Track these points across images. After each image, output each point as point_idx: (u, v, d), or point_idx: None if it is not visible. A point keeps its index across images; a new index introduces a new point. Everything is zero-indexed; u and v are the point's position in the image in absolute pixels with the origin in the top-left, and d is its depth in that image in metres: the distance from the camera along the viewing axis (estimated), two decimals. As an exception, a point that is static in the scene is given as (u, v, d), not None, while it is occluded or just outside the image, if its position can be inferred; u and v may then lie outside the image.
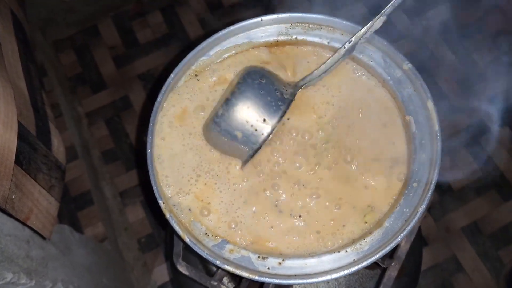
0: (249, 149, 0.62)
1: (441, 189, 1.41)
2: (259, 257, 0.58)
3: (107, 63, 1.61)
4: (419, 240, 1.01)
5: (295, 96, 0.65)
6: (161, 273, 1.38)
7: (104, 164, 1.49)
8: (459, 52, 1.55)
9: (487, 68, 1.52)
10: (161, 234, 1.41)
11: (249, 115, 0.61)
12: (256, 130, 0.61)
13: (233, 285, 0.82)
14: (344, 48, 0.63)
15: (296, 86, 0.66)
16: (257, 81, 0.62)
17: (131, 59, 1.60)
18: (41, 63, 1.41)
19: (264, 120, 0.61)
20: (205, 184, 0.64)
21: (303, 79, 0.66)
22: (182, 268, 0.72)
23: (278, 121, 0.62)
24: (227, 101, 0.62)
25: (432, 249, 1.36)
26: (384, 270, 0.72)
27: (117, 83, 1.58)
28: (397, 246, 0.72)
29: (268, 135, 0.62)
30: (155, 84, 1.57)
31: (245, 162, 0.64)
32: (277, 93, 0.62)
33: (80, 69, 1.61)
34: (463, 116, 1.46)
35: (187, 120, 0.67)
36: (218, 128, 0.62)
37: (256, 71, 0.64)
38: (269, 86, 0.62)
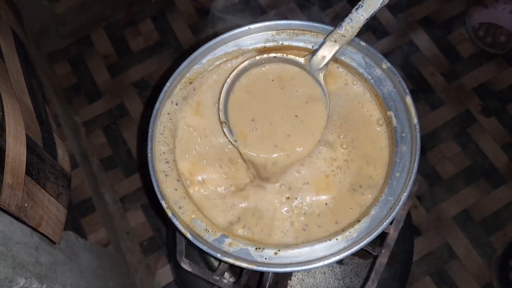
0: None
1: (431, 179, 1.46)
2: (256, 248, 0.62)
3: (102, 72, 1.64)
4: (409, 228, 1.06)
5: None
6: (164, 275, 1.42)
7: (104, 171, 1.53)
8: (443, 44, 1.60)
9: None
10: (162, 236, 1.45)
11: None
12: None
13: (234, 279, 0.87)
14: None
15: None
16: None
17: (125, 67, 1.64)
18: (38, 74, 1.45)
19: None
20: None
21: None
22: (186, 265, 0.76)
23: None
24: None
25: (425, 239, 1.40)
26: (375, 258, 0.76)
27: (112, 91, 1.62)
28: (387, 234, 0.77)
29: None
30: (150, 91, 1.61)
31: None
32: None
33: (75, 80, 1.64)
34: (450, 107, 1.51)
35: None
36: None
37: None
38: None
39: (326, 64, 0.68)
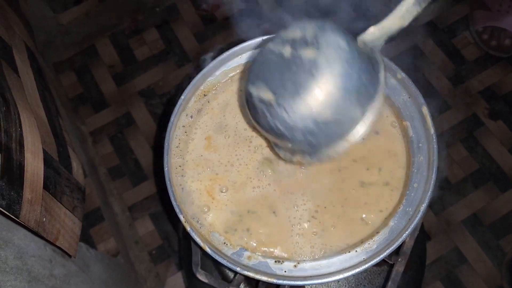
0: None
1: (440, 184, 1.45)
2: (275, 261, 0.62)
3: (107, 82, 1.65)
4: (423, 235, 1.06)
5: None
6: (173, 283, 1.41)
7: (111, 181, 1.53)
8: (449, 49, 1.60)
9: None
10: (172, 245, 1.45)
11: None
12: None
13: (250, 290, 0.86)
14: None
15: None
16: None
17: (130, 76, 1.65)
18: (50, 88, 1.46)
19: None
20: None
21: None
22: (202, 276, 0.76)
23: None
24: None
25: (435, 243, 1.40)
26: (391, 266, 0.76)
27: (118, 100, 1.62)
28: (403, 242, 0.77)
29: None
30: (156, 99, 1.61)
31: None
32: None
33: (81, 89, 1.65)
34: (456, 111, 1.51)
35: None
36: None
37: None
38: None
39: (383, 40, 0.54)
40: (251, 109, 0.53)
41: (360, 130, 0.49)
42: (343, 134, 0.49)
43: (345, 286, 0.94)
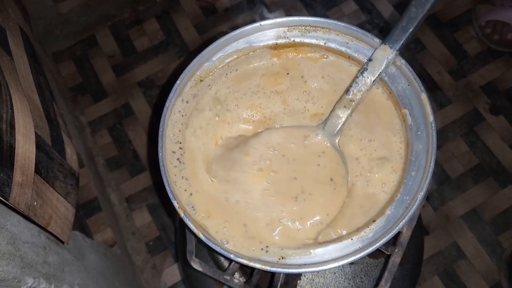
0: None
1: (439, 178, 1.45)
2: (270, 249, 0.61)
3: (107, 72, 1.64)
4: (420, 228, 1.05)
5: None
6: (170, 275, 1.41)
7: (109, 171, 1.52)
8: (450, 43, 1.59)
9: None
10: (169, 236, 1.44)
11: None
12: None
13: (245, 279, 0.86)
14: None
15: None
16: None
17: (130, 67, 1.64)
18: (44, 72, 1.45)
19: None
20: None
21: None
22: (196, 264, 0.75)
23: None
24: None
25: (434, 238, 1.39)
26: (388, 257, 0.75)
27: (117, 91, 1.61)
28: (399, 233, 0.76)
29: None
30: (156, 90, 1.61)
31: None
32: None
33: (81, 79, 1.64)
34: (457, 106, 1.50)
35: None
36: None
37: None
38: None
39: (340, 130, 0.68)
40: None
41: None
42: None
43: (342, 278, 0.94)
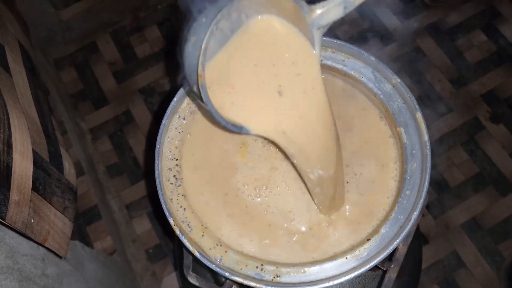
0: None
1: (439, 187, 1.44)
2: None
3: (108, 79, 1.64)
4: (418, 240, 1.05)
5: None
6: (170, 283, 1.41)
7: (110, 178, 1.53)
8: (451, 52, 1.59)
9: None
10: (169, 244, 1.44)
11: None
12: None
13: (242, 293, 0.86)
14: None
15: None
16: None
17: (131, 73, 1.64)
18: (43, 82, 1.45)
19: None
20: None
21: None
22: (193, 279, 0.75)
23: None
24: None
25: (433, 247, 1.39)
26: (384, 273, 0.75)
27: (118, 98, 1.61)
28: (396, 249, 0.76)
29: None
30: (156, 98, 1.61)
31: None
32: None
33: (82, 86, 1.64)
34: (458, 114, 1.50)
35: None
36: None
37: None
38: None
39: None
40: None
41: None
42: None
43: (339, 290, 0.94)
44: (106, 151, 1.56)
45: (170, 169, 0.68)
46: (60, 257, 0.78)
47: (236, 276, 0.61)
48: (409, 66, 1.58)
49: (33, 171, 0.64)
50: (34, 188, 0.64)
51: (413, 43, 1.60)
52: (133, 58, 1.66)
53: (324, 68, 0.72)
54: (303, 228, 0.66)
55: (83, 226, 1.35)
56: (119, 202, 1.50)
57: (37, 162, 0.67)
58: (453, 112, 1.52)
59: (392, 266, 0.74)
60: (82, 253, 1.10)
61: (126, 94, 1.62)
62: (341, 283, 0.94)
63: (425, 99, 1.52)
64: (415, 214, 0.60)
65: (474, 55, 1.58)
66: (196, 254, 0.62)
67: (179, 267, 1.08)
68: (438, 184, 1.45)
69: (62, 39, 1.67)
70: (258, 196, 0.68)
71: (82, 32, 1.68)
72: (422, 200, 0.60)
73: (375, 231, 0.62)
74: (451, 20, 1.63)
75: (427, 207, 1.42)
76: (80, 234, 1.30)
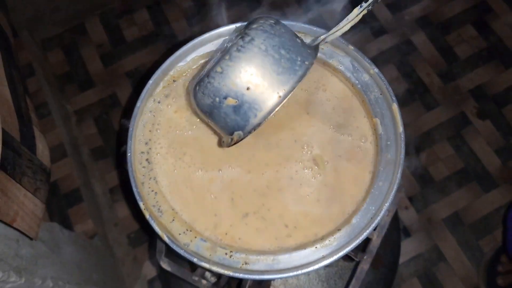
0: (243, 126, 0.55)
1: (424, 181, 1.45)
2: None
3: (95, 61, 1.62)
4: (396, 231, 1.05)
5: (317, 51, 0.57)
6: (151, 267, 1.41)
7: (94, 161, 1.52)
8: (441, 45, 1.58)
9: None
10: (150, 228, 1.44)
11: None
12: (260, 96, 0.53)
13: (215, 279, 0.86)
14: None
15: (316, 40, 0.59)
16: (272, 27, 0.54)
17: (118, 57, 1.62)
18: (29, 62, 1.43)
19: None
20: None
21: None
22: (165, 264, 0.75)
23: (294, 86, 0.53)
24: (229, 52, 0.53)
25: (415, 240, 1.40)
26: (357, 264, 0.75)
27: (105, 80, 1.60)
28: (369, 240, 0.76)
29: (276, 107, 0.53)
30: (142, 82, 1.59)
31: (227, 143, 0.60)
32: (297, 42, 0.54)
33: (68, 68, 1.62)
34: (445, 109, 1.50)
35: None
36: (207, 90, 0.55)
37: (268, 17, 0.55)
38: (286, 35, 0.54)
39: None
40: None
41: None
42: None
43: (316, 280, 0.94)
44: (91, 134, 1.55)
45: (142, 152, 0.67)
46: (30, 238, 0.77)
47: (205, 262, 0.60)
48: (399, 58, 1.57)
49: (1, 150, 0.63)
50: (2, 167, 0.63)
51: (403, 36, 1.59)
52: (121, 41, 1.64)
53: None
54: (274, 215, 0.65)
55: (65, 208, 1.34)
56: (102, 186, 1.49)
57: (7, 141, 0.66)
58: (440, 106, 1.52)
59: (365, 257, 0.74)
60: (60, 236, 1.09)
61: (112, 77, 1.60)
62: (317, 273, 0.95)
63: (413, 92, 1.51)
64: (386, 205, 0.59)
65: (464, 50, 1.57)
66: (165, 239, 0.61)
67: (153, 252, 1.07)
68: (422, 178, 1.45)
69: (50, 19, 1.64)
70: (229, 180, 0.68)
71: (70, 13, 1.65)
72: (393, 192, 0.60)
73: (346, 221, 0.62)
74: (442, 14, 1.62)
75: (410, 200, 1.43)
76: (61, 216, 1.29)
